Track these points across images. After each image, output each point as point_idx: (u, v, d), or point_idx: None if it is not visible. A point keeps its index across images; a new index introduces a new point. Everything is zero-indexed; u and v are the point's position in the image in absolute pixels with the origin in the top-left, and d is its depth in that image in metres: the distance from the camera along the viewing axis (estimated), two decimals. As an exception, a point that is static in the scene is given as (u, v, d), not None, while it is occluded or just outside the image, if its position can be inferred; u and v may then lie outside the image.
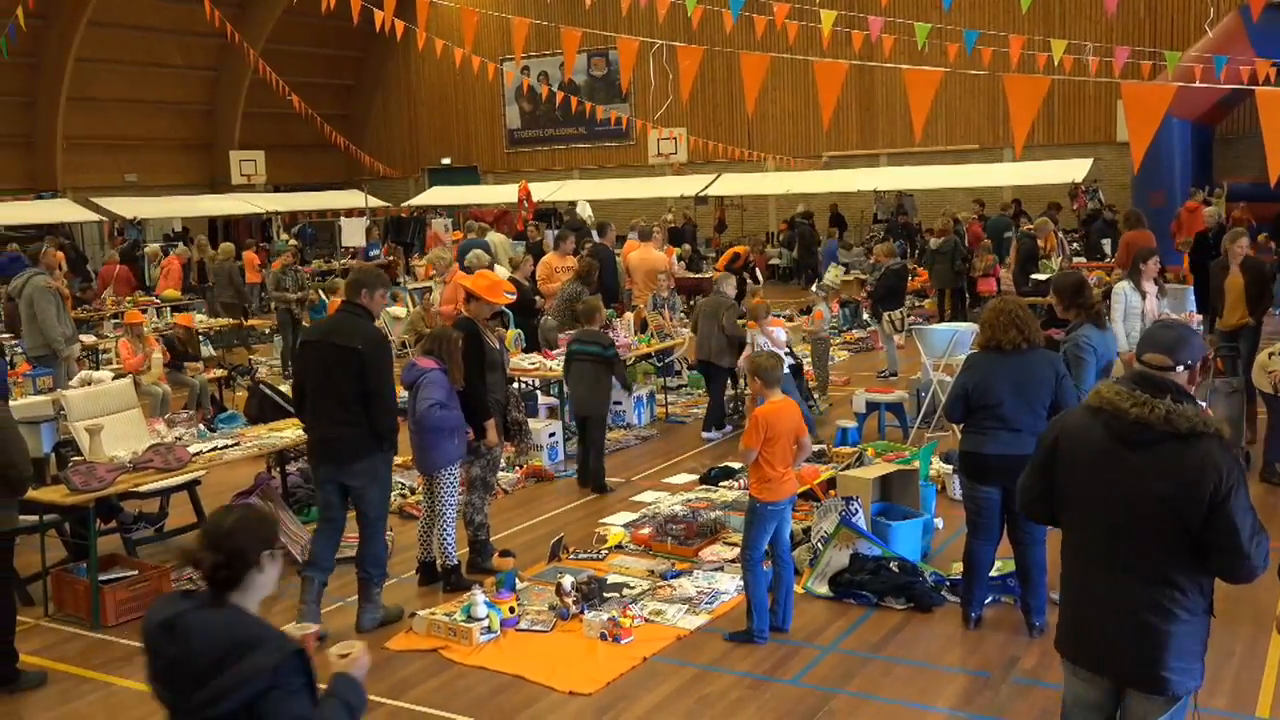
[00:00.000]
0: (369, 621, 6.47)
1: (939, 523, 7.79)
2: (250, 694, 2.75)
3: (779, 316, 11.90)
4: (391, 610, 6.60)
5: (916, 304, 18.19)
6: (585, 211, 25.68)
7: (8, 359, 12.08)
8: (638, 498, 8.93)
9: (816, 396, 11.67)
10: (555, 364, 10.36)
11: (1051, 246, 15.79)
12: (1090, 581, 3.57)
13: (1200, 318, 10.94)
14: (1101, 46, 15.31)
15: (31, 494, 6.81)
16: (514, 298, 8.25)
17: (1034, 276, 14.56)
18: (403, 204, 30.64)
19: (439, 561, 7.09)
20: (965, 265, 15.67)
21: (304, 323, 14.55)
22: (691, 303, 18.54)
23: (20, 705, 5.73)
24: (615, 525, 8.07)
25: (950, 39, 13.60)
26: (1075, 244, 18.76)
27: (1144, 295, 8.72)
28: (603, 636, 6.15)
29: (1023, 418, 5.80)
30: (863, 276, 17.42)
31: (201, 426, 9.01)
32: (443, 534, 6.98)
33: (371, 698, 5.61)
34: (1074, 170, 22.45)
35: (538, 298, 12.46)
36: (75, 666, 6.19)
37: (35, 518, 7.06)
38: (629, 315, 12.23)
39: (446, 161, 34.37)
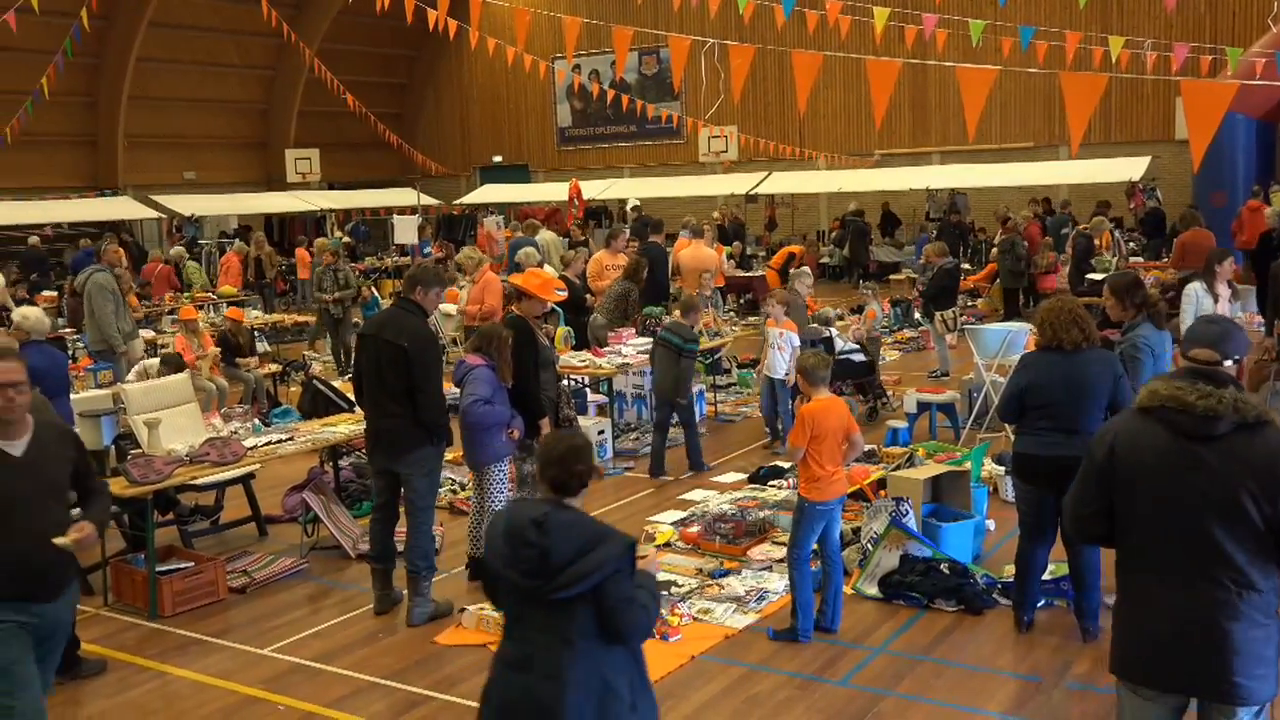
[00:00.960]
0: (419, 616, 6.53)
1: (991, 525, 7.71)
2: (602, 576, 3.41)
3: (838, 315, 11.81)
4: (442, 605, 6.66)
5: (969, 303, 18.03)
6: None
7: (70, 353, 12.34)
8: (686, 496, 8.93)
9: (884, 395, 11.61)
10: (604, 362, 10.39)
11: (1107, 245, 15.59)
12: (1160, 595, 3.43)
13: (1261, 319, 10.74)
14: (1160, 42, 15.06)
15: (92, 486, 6.97)
16: (565, 295, 8.32)
17: (1089, 276, 14.37)
18: (454, 202, 30.85)
19: None
20: (1023, 264, 15.49)
21: (353, 320, 14.74)
22: (741, 300, 18.56)
23: (80, 692, 5.85)
24: (664, 523, 8.07)
25: (1005, 35, 13.43)
26: (1131, 243, 18.49)
27: (1216, 298, 8.55)
28: (650, 634, 6.15)
29: (1079, 419, 5.71)
30: (914, 275, 17.30)
31: (256, 421, 9.17)
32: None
33: (421, 691, 5.69)
34: (1131, 168, 22.08)
35: (588, 295, 12.48)
36: (132, 655, 6.32)
37: (95, 509, 7.21)
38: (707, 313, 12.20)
39: (498, 159, 34.56)
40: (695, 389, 11.80)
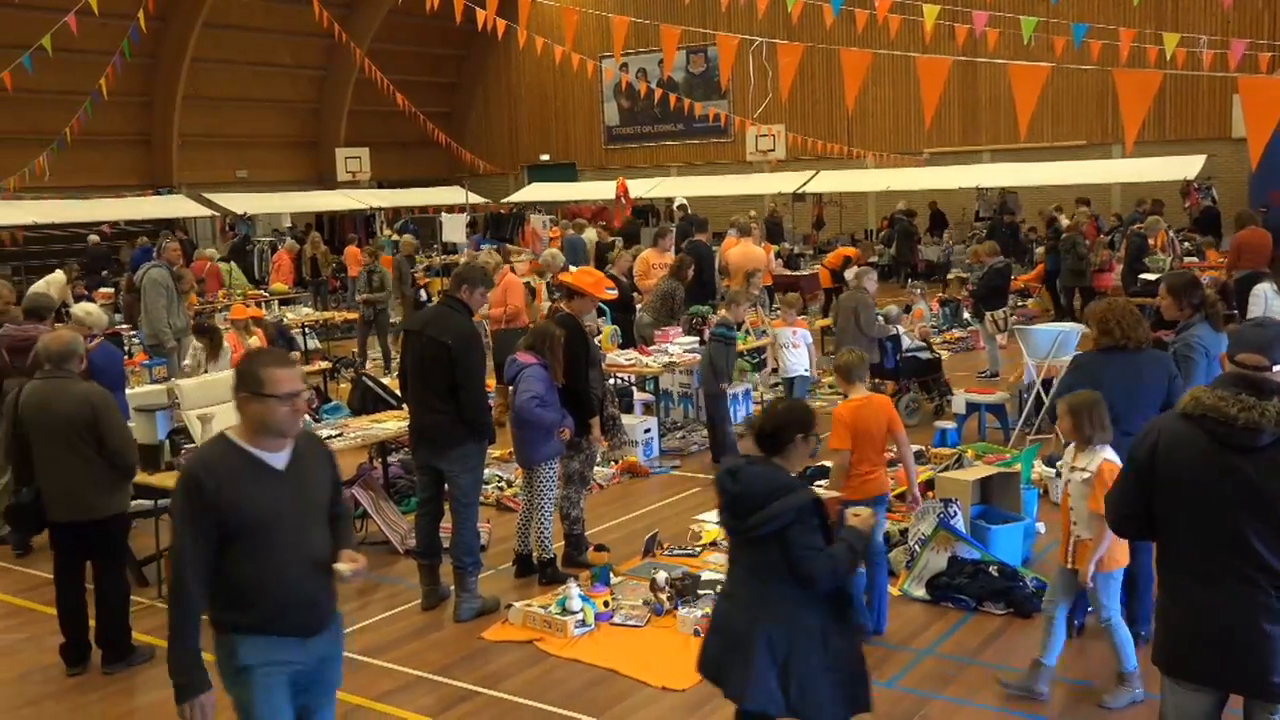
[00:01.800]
0: (466, 611, 6.58)
1: (1041, 527, 7.62)
2: (783, 523, 3.88)
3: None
4: (489, 600, 6.70)
5: (1019, 303, 17.84)
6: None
7: (126, 349, 12.55)
8: (732, 495, 8.90)
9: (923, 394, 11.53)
10: (651, 360, 10.40)
11: (1161, 245, 15.35)
12: (1200, 595, 3.44)
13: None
14: (1217, 39, 14.81)
15: (147, 479, 7.10)
16: (615, 294, 8.40)
17: (1142, 276, 14.15)
18: (502, 200, 31.01)
19: (535, 554, 7.17)
20: (1084, 264, 15.30)
21: (391, 320, 14.88)
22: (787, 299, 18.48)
23: (133, 682, 5.95)
24: (710, 522, 8.06)
25: (1057, 32, 13.27)
26: (1186, 243, 18.19)
27: None
28: (696, 633, 6.14)
29: (1135, 420, 5.59)
30: (964, 275, 17.14)
31: (307, 417, 9.25)
32: (540, 527, 7.07)
33: (467, 686, 5.73)
34: (1186, 167, 21.73)
35: (634, 294, 12.50)
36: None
37: (150, 502, 7.34)
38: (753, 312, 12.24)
39: (545, 158, 34.70)
40: (741, 388, 11.79)
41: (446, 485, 6.67)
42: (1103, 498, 4.32)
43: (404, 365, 6.80)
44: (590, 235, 18.18)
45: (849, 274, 12.45)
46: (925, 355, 11.33)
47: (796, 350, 10.08)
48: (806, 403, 4.41)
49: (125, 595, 6.28)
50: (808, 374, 10.21)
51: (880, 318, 10.92)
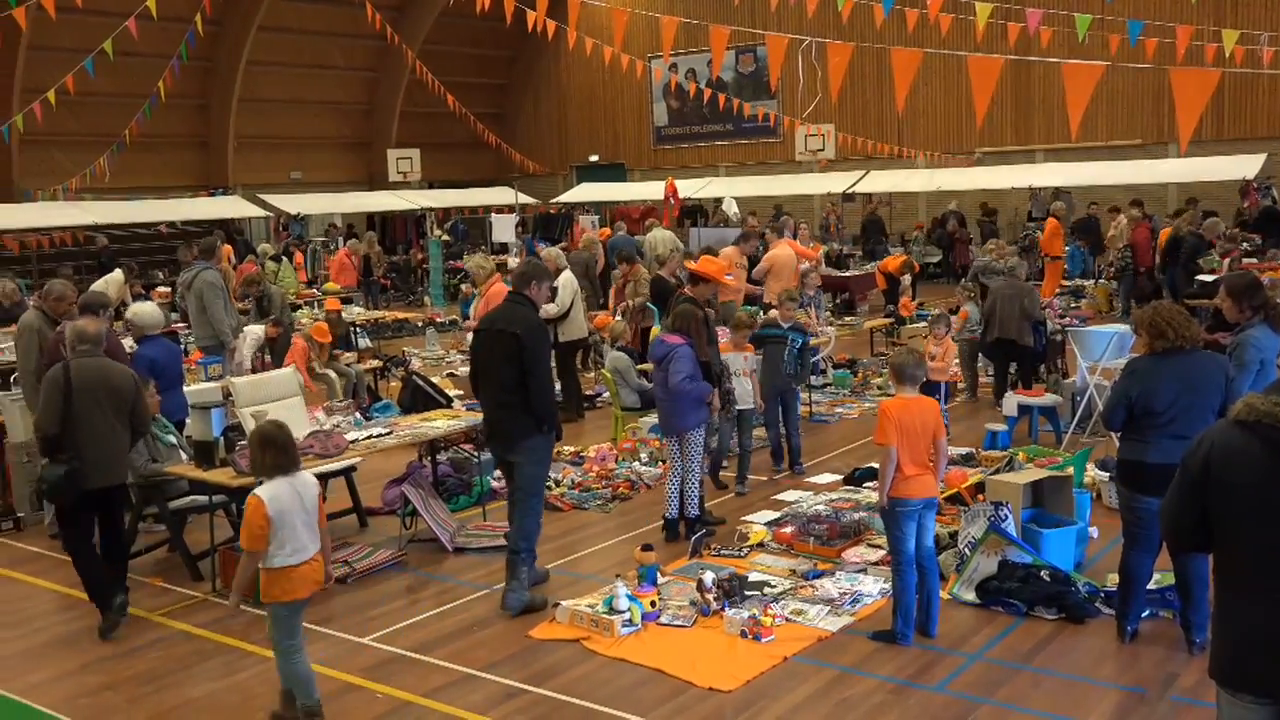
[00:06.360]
0: (515, 602, 6.66)
1: (1094, 532, 7.52)
2: None
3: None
4: (537, 598, 6.77)
5: (1073, 304, 17.62)
6: (731, 209, 25.68)
7: (183, 347, 12.76)
8: (780, 496, 8.90)
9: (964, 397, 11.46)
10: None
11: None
12: (1259, 606, 3.35)
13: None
14: (1278, 36, 14.53)
15: (201, 475, 7.25)
16: (735, 280, 8.95)
17: (1199, 278, 13.91)
18: (551, 201, 31.13)
19: (684, 512, 7.90)
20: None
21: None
22: (838, 300, 18.39)
23: (188, 675, 6.06)
24: (757, 523, 8.05)
25: (1112, 31, 13.10)
26: (1245, 244, 17.84)
27: None
28: (743, 634, 6.15)
29: (1193, 424, 5.50)
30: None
31: (358, 415, 9.36)
32: (691, 487, 7.86)
33: (514, 684, 5.77)
34: (1245, 166, 21.32)
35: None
36: (239, 640, 6.52)
37: (205, 498, 7.47)
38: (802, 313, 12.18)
39: (594, 159, 34.77)
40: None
41: (515, 476, 6.90)
42: None
43: (474, 365, 7.08)
44: (657, 234, 17.90)
45: (1008, 263, 12.65)
46: (1059, 337, 11.70)
47: (745, 379, 8.94)
48: None
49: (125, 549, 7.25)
50: (753, 407, 9.10)
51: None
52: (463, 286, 16.90)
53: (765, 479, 9.41)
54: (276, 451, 5.16)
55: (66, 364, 6.67)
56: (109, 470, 6.65)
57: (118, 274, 16.31)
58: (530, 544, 6.82)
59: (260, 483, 5.21)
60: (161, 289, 17.38)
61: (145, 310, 9.11)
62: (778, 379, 9.41)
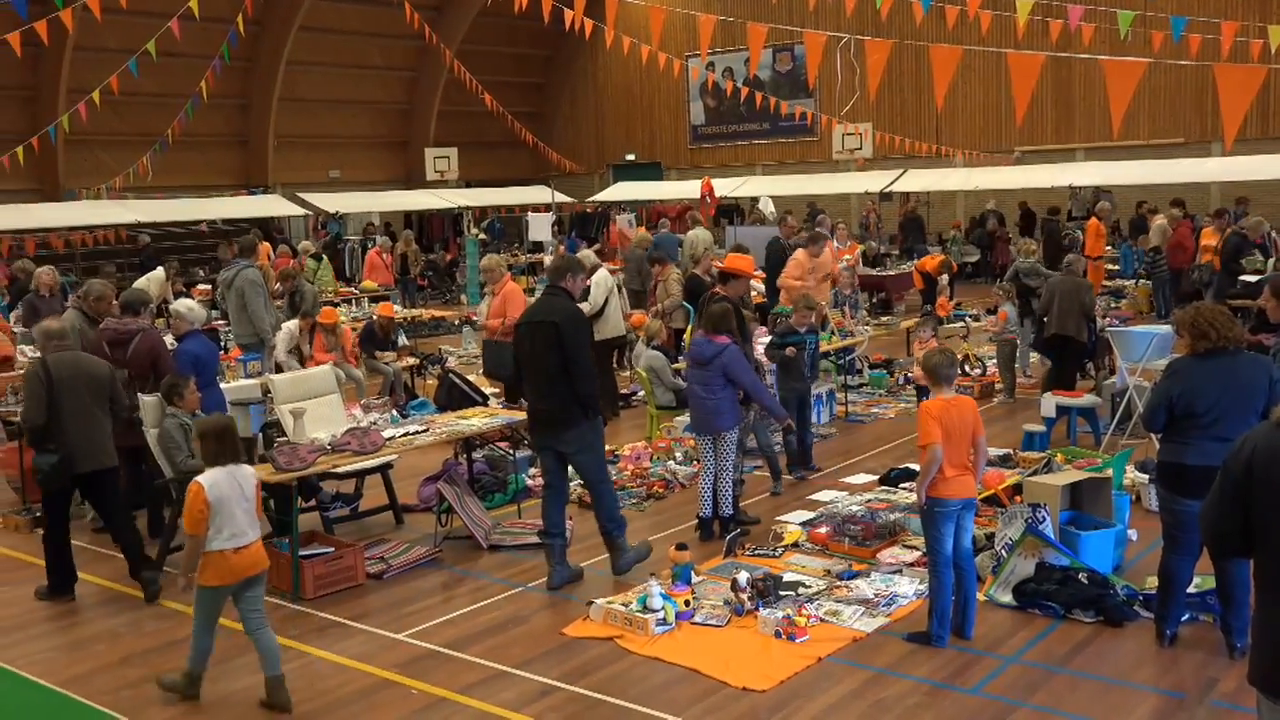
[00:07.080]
0: (625, 563, 7.15)
1: (1133, 534, 7.44)
2: None
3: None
4: (641, 547, 7.33)
5: (1113, 305, 17.43)
6: (768, 207, 25.60)
7: (222, 344, 12.91)
8: (815, 496, 8.87)
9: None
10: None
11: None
12: None
13: None
14: (1327, 32, 14.27)
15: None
16: (763, 274, 9.07)
17: (1242, 278, 13.70)
18: (587, 199, 31.18)
19: (719, 511, 7.92)
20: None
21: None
22: (874, 300, 18.30)
23: (226, 670, 6.11)
24: (792, 523, 8.03)
25: (1155, 27, 12.92)
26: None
27: None
28: (777, 634, 6.13)
29: (1236, 426, 5.40)
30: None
31: (394, 412, 9.43)
32: (724, 486, 7.85)
33: (549, 681, 5.78)
34: (1292, 165, 20.98)
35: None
36: (277, 635, 6.56)
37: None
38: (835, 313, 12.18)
39: (631, 157, 34.79)
40: (826, 388, 11.72)
41: (573, 470, 7.21)
42: None
43: (518, 360, 7.26)
44: (700, 234, 17.85)
45: (1066, 259, 12.53)
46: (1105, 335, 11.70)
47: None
48: None
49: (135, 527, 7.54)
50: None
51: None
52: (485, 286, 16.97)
53: (798, 478, 9.38)
54: (215, 442, 5.56)
55: (44, 359, 7.11)
56: (95, 455, 7.07)
57: (159, 272, 16.51)
58: (617, 521, 7.16)
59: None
60: (202, 286, 17.60)
61: (191, 306, 9.23)
62: (799, 383, 9.41)
